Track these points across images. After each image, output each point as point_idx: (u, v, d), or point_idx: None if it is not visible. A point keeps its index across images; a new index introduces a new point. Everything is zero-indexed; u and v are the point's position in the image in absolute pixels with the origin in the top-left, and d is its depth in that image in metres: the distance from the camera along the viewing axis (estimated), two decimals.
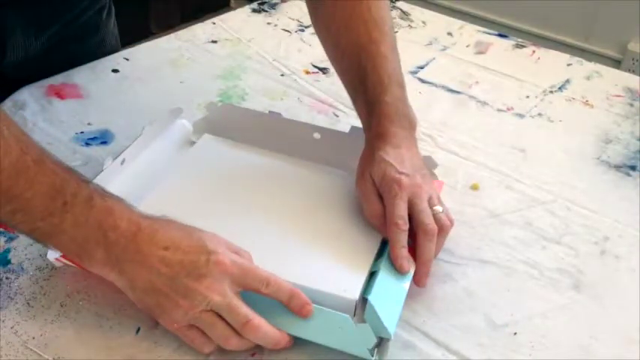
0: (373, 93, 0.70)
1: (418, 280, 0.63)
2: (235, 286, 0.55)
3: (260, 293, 0.56)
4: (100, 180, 0.64)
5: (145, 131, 0.74)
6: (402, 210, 0.63)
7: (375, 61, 0.72)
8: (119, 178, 0.69)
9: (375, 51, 0.72)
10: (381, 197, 0.65)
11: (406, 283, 0.61)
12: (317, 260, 0.63)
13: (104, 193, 0.56)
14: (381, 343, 0.57)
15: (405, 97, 0.71)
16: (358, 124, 0.74)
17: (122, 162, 0.70)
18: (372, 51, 0.72)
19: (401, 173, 0.64)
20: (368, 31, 0.73)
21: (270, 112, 0.79)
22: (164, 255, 0.54)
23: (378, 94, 0.70)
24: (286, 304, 0.56)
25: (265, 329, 0.55)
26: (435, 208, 0.65)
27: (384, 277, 0.60)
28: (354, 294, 0.59)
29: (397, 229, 0.62)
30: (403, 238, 0.62)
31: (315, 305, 0.57)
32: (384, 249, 0.64)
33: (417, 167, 0.67)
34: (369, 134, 0.70)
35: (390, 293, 0.59)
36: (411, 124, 0.70)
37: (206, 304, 0.54)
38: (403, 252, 0.62)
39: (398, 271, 0.61)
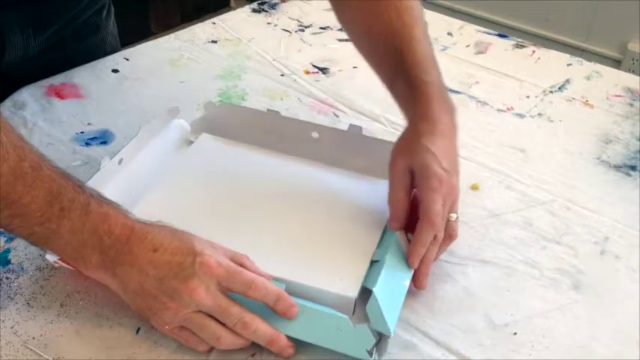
0: (414, 73, 0.68)
1: (418, 282, 0.62)
2: (222, 287, 0.55)
3: (246, 296, 0.55)
4: (97, 180, 0.65)
5: (141, 131, 0.74)
6: (440, 206, 0.61)
7: (410, 43, 0.70)
8: (117, 178, 0.69)
9: (409, 34, 0.71)
10: (410, 187, 0.64)
11: (407, 282, 0.61)
12: (316, 258, 0.63)
13: (101, 199, 0.57)
14: (380, 342, 0.56)
15: (443, 79, 0.70)
16: (358, 124, 0.74)
17: (119, 161, 0.70)
18: (406, 34, 0.71)
19: (443, 169, 0.62)
20: (399, 15, 0.72)
21: (268, 110, 0.78)
22: (153, 257, 0.54)
23: (419, 73, 0.68)
24: (272, 307, 0.56)
25: (258, 325, 0.55)
26: (451, 214, 0.64)
27: (388, 272, 0.60)
28: (353, 292, 0.59)
29: (430, 227, 0.61)
30: (429, 238, 0.61)
31: (313, 306, 0.57)
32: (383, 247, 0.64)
33: (454, 165, 0.65)
34: (412, 115, 0.67)
35: (392, 290, 0.59)
36: (451, 109, 0.68)
37: (194, 305, 0.54)
38: (421, 251, 0.61)
39: (407, 264, 0.61)
